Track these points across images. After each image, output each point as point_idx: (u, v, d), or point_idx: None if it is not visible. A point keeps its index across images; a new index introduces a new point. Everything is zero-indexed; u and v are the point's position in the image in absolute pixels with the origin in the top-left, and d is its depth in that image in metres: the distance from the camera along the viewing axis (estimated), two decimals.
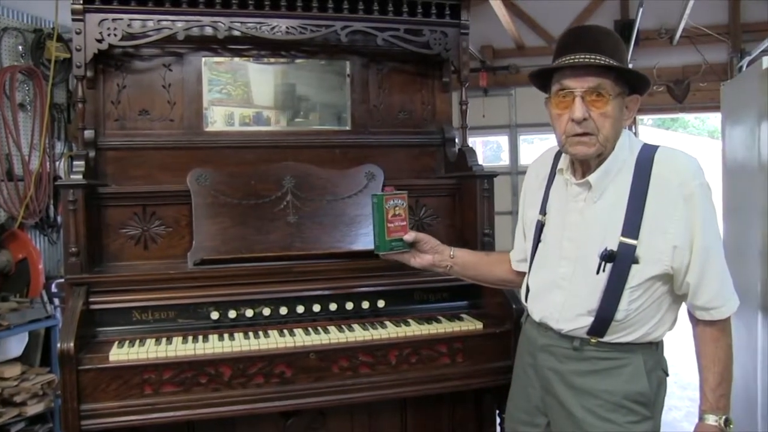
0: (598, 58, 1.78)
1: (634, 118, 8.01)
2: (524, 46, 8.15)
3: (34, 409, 4.17)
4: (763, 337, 3.32)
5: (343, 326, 2.47)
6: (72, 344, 2.15)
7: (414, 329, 2.48)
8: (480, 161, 2.89)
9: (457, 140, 3.11)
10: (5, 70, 4.56)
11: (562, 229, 1.94)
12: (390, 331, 2.45)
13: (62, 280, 4.14)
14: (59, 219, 4.95)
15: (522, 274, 2.17)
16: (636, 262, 1.77)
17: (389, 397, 2.49)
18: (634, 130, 7.62)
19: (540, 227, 2.02)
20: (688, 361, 5.76)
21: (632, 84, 1.85)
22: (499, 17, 6.91)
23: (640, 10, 6.30)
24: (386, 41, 2.86)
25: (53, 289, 4.80)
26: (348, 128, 3.04)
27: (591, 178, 1.85)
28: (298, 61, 2.98)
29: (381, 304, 2.64)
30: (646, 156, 1.83)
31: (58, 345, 2.16)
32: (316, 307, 2.57)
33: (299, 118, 3.00)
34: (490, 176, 2.82)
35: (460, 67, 2.96)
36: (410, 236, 2.24)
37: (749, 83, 3.53)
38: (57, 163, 5.02)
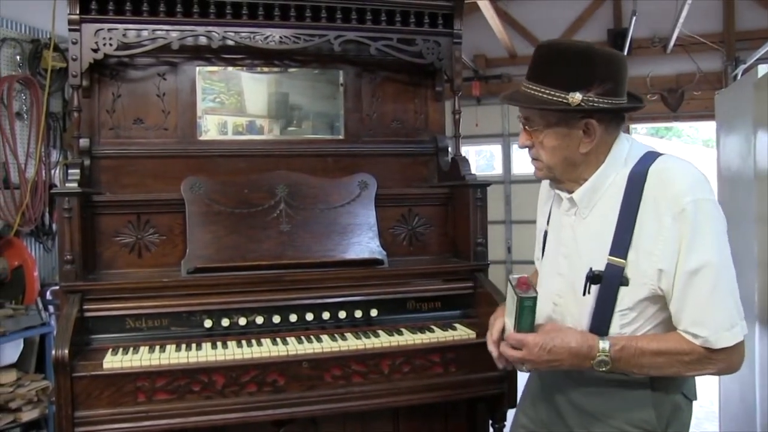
0: (531, 87, 1.74)
1: (627, 127, 8.01)
2: (517, 55, 8.20)
3: (29, 415, 4.16)
4: (762, 349, 3.31)
5: (335, 335, 2.48)
6: (66, 351, 2.15)
7: (407, 338, 2.49)
8: (473, 170, 2.91)
9: (450, 149, 3.13)
10: (3, 80, 4.56)
11: (557, 244, 1.88)
12: (383, 340, 2.46)
13: (57, 287, 4.15)
14: (54, 227, 4.95)
15: None
16: (625, 284, 1.66)
17: (382, 407, 2.50)
18: None
19: (545, 237, 1.97)
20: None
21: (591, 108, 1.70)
22: (491, 26, 6.94)
23: (633, 18, 6.35)
24: (379, 50, 2.88)
25: (48, 296, 4.80)
26: (341, 137, 3.06)
27: (575, 194, 1.78)
28: (291, 70, 3.00)
29: (374, 313, 2.64)
30: (641, 169, 1.70)
31: (53, 352, 2.17)
32: (309, 316, 2.58)
33: (292, 127, 3.01)
34: (483, 185, 2.83)
35: (453, 77, 2.99)
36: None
37: (744, 92, 3.53)
38: (52, 171, 5.02)
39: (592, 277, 1.69)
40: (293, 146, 2.98)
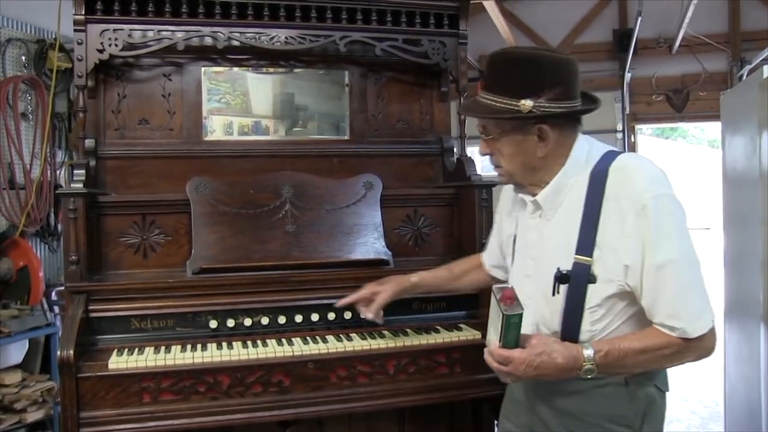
0: (486, 97, 1.79)
1: (633, 128, 7.98)
2: None
3: (34, 416, 4.17)
4: (766, 349, 3.30)
5: (341, 336, 2.48)
6: (71, 352, 2.16)
7: (412, 339, 2.49)
8: (478, 171, 2.91)
9: (455, 150, 3.12)
10: (8, 80, 4.57)
11: (524, 247, 1.92)
12: (388, 341, 2.45)
13: (62, 287, 4.14)
14: (60, 227, 4.96)
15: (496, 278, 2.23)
16: (592, 281, 1.71)
17: (387, 407, 2.49)
18: (633, 140, 7.63)
19: (515, 241, 2.01)
20: (688, 373, 5.77)
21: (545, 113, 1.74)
22: (497, 27, 6.93)
23: (639, 19, 6.33)
24: (385, 51, 2.88)
25: (53, 296, 4.80)
26: (346, 137, 3.05)
27: (538, 197, 1.83)
28: (296, 70, 3.00)
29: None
30: (601, 168, 1.75)
31: (58, 352, 2.17)
32: (315, 317, 2.57)
33: (298, 127, 3.01)
34: (488, 186, 2.83)
35: (459, 77, 2.98)
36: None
37: (749, 92, 3.53)
38: (58, 171, 5.03)
39: (560, 277, 1.73)
40: (299, 147, 2.98)
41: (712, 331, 1.68)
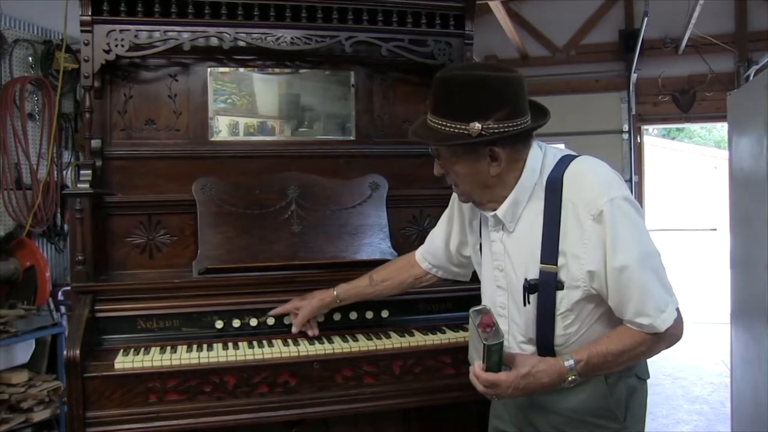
0: (435, 121, 1.79)
1: (639, 128, 7.95)
2: (528, 56, 8.16)
3: (40, 415, 4.18)
4: None
5: (347, 336, 2.48)
6: (78, 352, 2.17)
7: (418, 339, 2.48)
8: None
9: None
10: (15, 81, 4.59)
11: (491, 258, 1.94)
12: (394, 341, 2.45)
13: (68, 287, 4.16)
14: (66, 227, 4.97)
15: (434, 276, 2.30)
16: (560, 288, 1.75)
17: (393, 408, 2.50)
18: (639, 140, 7.61)
19: (482, 250, 2.03)
20: (696, 375, 5.77)
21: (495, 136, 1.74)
22: (503, 27, 6.93)
23: (645, 19, 6.32)
24: (390, 51, 2.87)
25: (59, 296, 4.82)
26: (352, 138, 3.05)
27: (498, 212, 1.84)
28: (302, 71, 3.00)
29: (385, 314, 2.63)
30: (556, 175, 1.78)
31: (64, 352, 2.18)
32: (320, 317, 2.57)
33: (303, 128, 3.01)
34: None
35: None
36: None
37: (756, 93, 3.53)
38: (64, 172, 5.04)
39: (529, 287, 1.77)
40: (304, 147, 2.98)
41: (678, 319, 1.74)
